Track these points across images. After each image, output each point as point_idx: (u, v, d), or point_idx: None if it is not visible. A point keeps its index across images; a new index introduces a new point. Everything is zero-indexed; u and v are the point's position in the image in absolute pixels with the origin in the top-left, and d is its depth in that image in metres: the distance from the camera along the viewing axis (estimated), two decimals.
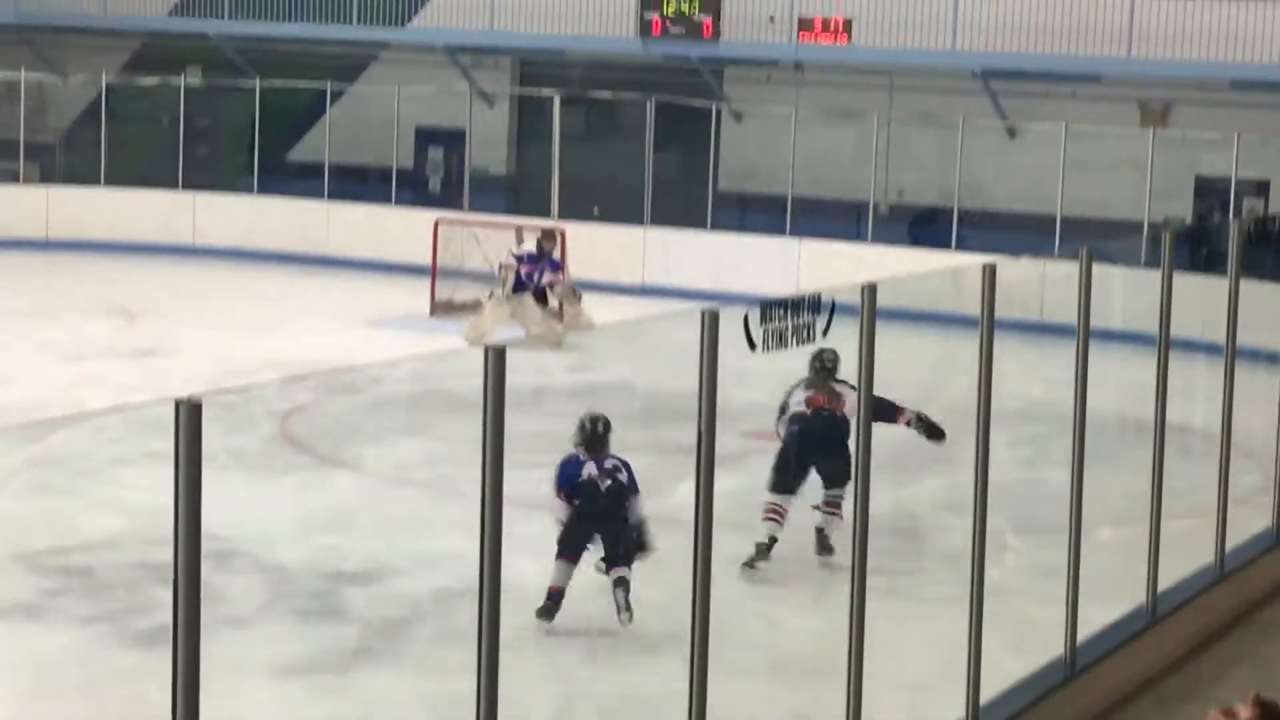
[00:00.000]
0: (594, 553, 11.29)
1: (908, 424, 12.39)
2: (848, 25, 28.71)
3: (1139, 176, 26.27)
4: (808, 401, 12.63)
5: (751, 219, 29.50)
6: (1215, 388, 11.98)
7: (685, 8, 29.45)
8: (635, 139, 29.79)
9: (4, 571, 12.27)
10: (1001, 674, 9.18)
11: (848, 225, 28.39)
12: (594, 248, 26.65)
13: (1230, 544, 11.88)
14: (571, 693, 10.58)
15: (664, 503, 11.53)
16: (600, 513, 11.16)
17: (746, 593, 11.98)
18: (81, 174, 32.65)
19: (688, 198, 29.66)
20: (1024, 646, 9.91)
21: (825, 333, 7.18)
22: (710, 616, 6.88)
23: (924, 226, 28.75)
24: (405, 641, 11.35)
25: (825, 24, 28.80)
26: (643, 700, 10.25)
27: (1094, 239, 23.48)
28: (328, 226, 30.31)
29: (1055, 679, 9.51)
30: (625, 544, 11.19)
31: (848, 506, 8.76)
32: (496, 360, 5.76)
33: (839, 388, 12.38)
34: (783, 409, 12.79)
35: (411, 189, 31.80)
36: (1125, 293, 14.23)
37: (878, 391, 8.04)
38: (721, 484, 6.94)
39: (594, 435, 11.22)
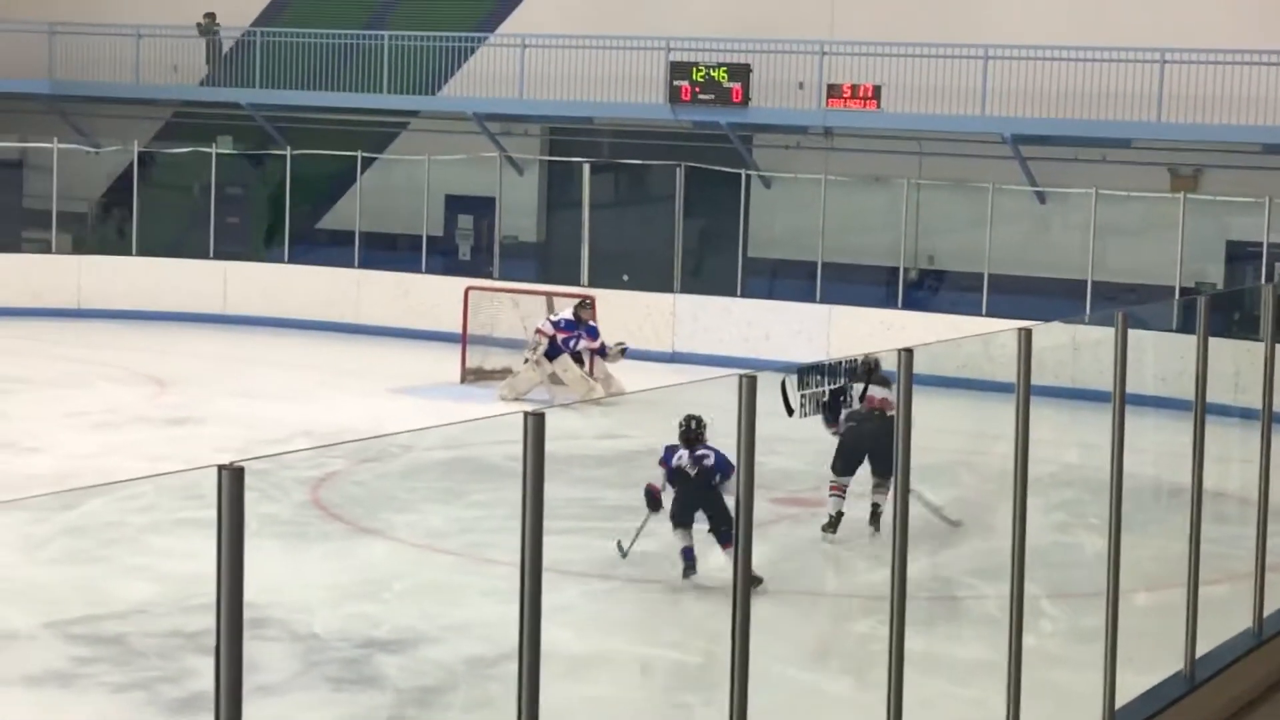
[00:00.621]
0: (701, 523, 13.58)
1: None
2: (877, 91, 28.76)
3: (1170, 241, 26.23)
4: (864, 399, 13.11)
5: (781, 285, 29.51)
6: (1251, 452, 11.90)
7: (715, 74, 29.54)
8: (665, 206, 29.80)
9: (36, 640, 12.25)
10: None
11: (878, 291, 28.42)
12: (624, 315, 26.69)
13: (1268, 609, 11.79)
14: None
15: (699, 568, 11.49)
16: (693, 492, 13.57)
17: (778, 656, 11.92)
18: (113, 243, 32.82)
19: (717, 264, 29.72)
20: (1061, 715, 9.82)
21: (862, 398, 7.16)
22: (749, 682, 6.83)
23: (921, 288, 28.82)
24: (438, 710, 11.32)
25: (854, 90, 28.84)
26: None
27: (1125, 303, 23.45)
28: (358, 294, 30.40)
29: None
30: (724, 519, 13.15)
31: (882, 578, 8.71)
32: (535, 426, 5.74)
33: (888, 393, 12.61)
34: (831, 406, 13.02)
35: (442, 256, 31.91)
36: (1157, 357, 14.20)
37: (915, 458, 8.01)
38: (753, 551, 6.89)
39: (688, 430, 13.67)
